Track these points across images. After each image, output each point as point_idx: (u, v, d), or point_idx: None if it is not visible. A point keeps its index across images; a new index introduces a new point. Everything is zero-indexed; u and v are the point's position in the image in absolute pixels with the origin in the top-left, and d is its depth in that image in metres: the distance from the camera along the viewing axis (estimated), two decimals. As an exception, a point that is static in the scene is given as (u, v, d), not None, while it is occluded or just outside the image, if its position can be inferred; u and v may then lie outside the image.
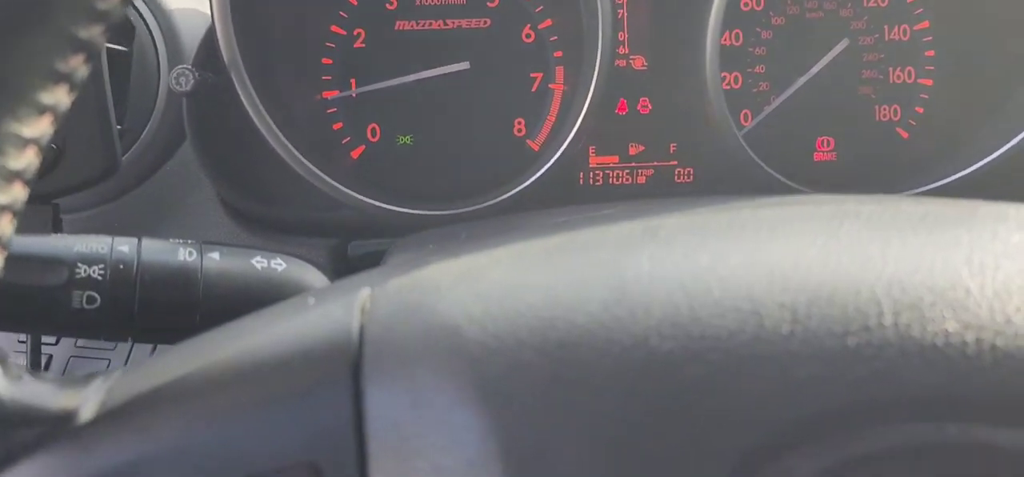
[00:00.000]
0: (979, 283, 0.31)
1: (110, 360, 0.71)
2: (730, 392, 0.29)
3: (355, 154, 0.85)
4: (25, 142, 0.31)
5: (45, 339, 0.69)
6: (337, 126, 0.84)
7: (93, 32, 0.31)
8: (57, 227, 0.69)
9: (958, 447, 0.29)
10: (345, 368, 0.31)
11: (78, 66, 0.32)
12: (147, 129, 0.77)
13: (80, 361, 0.71)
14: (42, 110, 0.31)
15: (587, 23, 0.81)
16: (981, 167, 0.80)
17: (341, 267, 0.76)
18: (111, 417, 0.32)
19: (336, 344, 0.31)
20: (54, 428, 0.31)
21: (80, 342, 0.72)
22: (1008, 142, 0.79)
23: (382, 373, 0.30)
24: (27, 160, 0.32)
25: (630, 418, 0.29)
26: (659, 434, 0.29)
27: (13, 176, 0.31)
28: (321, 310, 0.34)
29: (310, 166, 0.73)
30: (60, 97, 0.32)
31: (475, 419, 0.29)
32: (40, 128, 0.32)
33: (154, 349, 0.71)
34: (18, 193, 0.32)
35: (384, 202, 0.77)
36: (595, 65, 0.77)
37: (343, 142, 0.84)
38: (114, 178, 0.70)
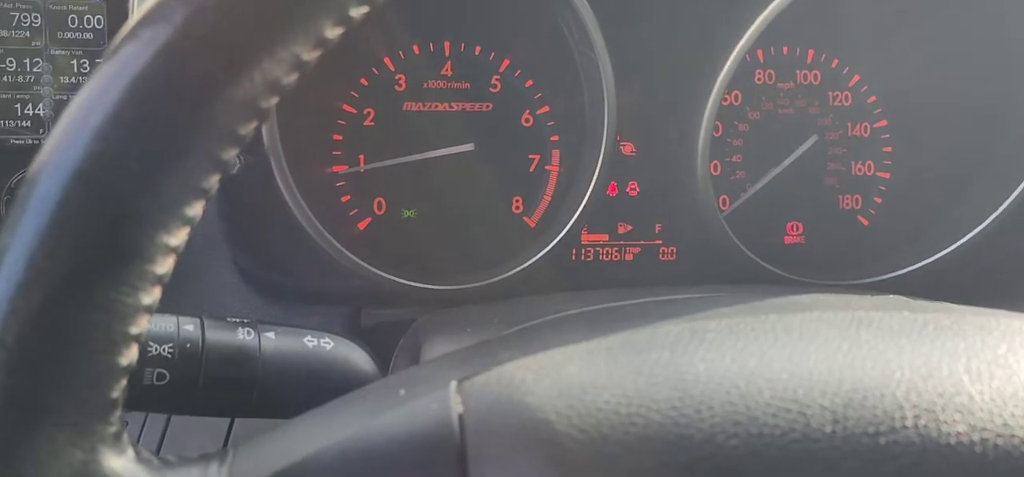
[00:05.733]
0: (978, 390, 0.37)
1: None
2: (788, 484, 0.34)
3: (362, 225, 0.89)
4: (170, 250, 0.35)
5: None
6: (345, 198, 0.88)
7: (231, 154, 0.36)
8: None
9: None
10: (453, 459, 0.35)
11: (215, 183, 0.36)
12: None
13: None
14: (186, 222, 0.35)
15: (590, 111, 0.87)
16: (938, 259, 0.88)
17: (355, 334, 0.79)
18: None
19: (441, 436, 0.36)
20: None
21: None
22: (963, 236, 0.88)
23: (486, 463, 0.35)
24: (169, 266, 0.36)
25: (704, 505, 0.34)
26: (728, 519, 0.34)
27: (157, 280, 0.35)
28: (418, 403, 0.38)
29: (330, 238, 0.77)
30: (198, 211, 0.36)
31: None
32: (182, 238, 0.36)
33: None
34: (157, 296, 0.36)
35: (392, 274, 0.81)
36: (600, 150, 0.83)
37: (351, 214, 0.88)
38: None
